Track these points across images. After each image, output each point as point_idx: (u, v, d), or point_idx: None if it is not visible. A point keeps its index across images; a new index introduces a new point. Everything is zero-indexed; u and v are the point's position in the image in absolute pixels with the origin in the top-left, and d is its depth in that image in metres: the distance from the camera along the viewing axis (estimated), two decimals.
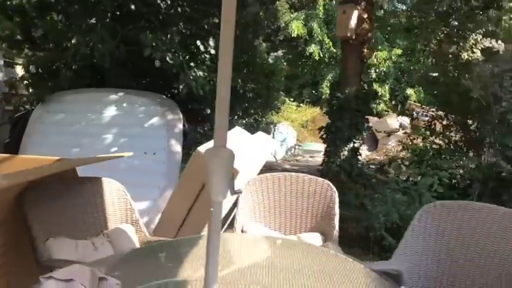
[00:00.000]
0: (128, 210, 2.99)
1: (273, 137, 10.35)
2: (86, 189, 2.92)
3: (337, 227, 3.01)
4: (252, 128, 7.77)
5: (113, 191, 3.00)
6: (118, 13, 5.41)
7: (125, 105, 5.32)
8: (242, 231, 3.06)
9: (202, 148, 2.92)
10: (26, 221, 2.50)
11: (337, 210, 3.08)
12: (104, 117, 5.28)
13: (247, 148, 3.26)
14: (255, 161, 3.38)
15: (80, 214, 2.83)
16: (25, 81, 5.47)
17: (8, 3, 6.62)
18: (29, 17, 6.25)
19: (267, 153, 3.64)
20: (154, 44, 4.45)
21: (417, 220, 2.72)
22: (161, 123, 5.17)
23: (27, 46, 6.59)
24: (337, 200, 3.14)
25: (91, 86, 5.64)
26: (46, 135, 5.20)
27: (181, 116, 5.34)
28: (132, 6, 4.74)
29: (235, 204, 3.19)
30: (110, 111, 5.30)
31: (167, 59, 4.50)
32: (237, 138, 3.39)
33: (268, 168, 9.94)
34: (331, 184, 3.23)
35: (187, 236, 2.90)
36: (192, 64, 4.86)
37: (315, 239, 3.04)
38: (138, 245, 2.81)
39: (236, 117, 7.08)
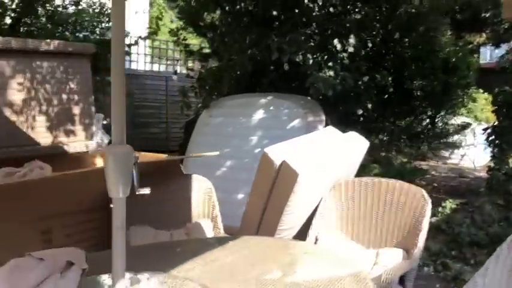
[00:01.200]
0: (210, 207, 3.16)
1: (465, 140, 9.11)
2: (175, 184, 3.20)
3: (420, 244, 2.56)
4: (426, 131, 7.06)
5: (201, 188, 3.20)
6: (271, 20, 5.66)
7: (271, 108, 5.55)
8: (316, 240, 2.89)
9: (268, 149, 2.87)
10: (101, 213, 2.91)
11: (425, 226, 2.62)
12: (252, 120, 5.62)
13: (333, 149, 3.05)
14: (343, 163, 3.12)
15: (166, 207, 3.12)
16: (195, 90, 6.26)
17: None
18: (219, 33, 7.05)
19: (359, 156, 3.30)
20: (285, 47, 4.51)
21: None
22: (301, 125, 5.20)
23: (215, 58, 7.48)
24: (428, 213, 2.67)
25: (248, 91, 6.06)
26: (207, 137, 5.83)
27: (323, 117, 5.27)
28: (274, 12, 4.92)
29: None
30: (258, 115, 5.60)
31: (297, 60, 4.51)
32: (319, 138, 3.20)
33: (458, 175, 8.80)
34: (425, 194, 2.76)
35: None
36: (330, 64, 4.74)
37: (396, 256, 2.64)
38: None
39: (403, 118, 6.54)
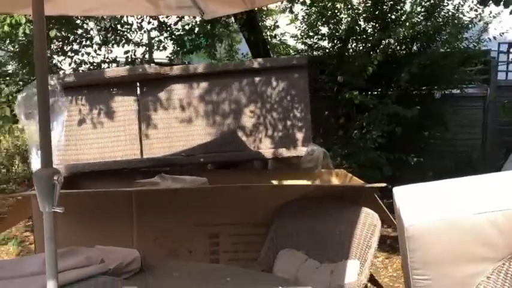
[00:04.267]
0: (367, 247, 2.68)
1: None
2: (344, 215, 2.89)
3: None
4: None
5: (366, 223, 2.78)
6: None
7: None
8: None
9: (397, 189, 2.15)
10: (269, 228, 2.98)
11: None
12: None
13: None
14: None
15: (325, 236, 2.88)
16: None
17: None
18: None
19: None
20: None
21: None
22: None
23: None
24: None
25: None
26: None
27: None
28: None
29: None
30: None
31: None
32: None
33: None
34: None
35: None
36: None
37: None
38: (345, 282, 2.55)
39: None
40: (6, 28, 3.76)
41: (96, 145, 3.81)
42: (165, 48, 5.88)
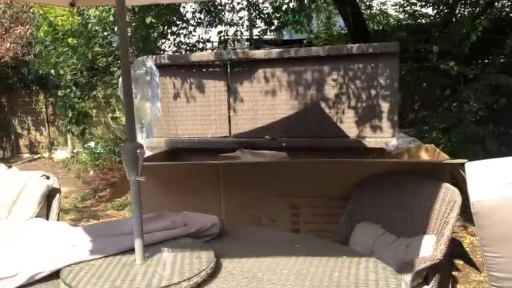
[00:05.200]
0: (445, 223, 2.62)
1: None
2: (423, 190, 2.84)
3: None
4: None
5: (446, 199, 2.71)
6: None
7: None
8: None
9: (471, 164, 2.08)
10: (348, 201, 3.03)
11: None
12: None
13: None
14: None
15: (403, 211, 2.86)
16: None
17: None
18: None
19: None
20: None
21: None
22: None
23: None
24: None
25: None
26: None
27: None
28: None
29: None
30: None
31: None
32: None
33: None
34: None
35: None
36: None
37: None
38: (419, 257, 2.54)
39: None
40: (111, 18, 4.25)
41: (191, 122, 4.16)
42: (254, 26, 6.07)
